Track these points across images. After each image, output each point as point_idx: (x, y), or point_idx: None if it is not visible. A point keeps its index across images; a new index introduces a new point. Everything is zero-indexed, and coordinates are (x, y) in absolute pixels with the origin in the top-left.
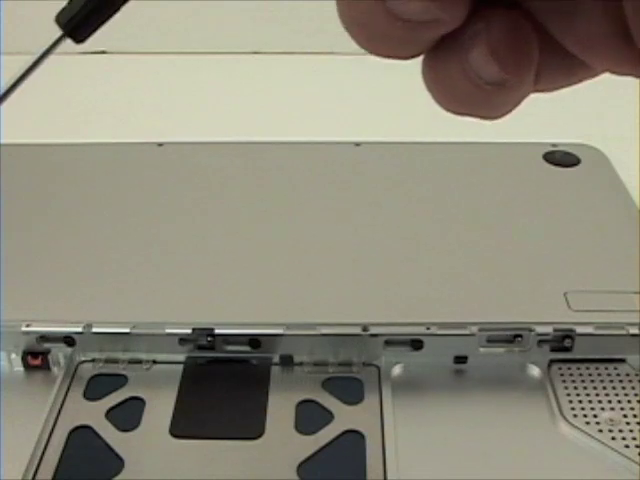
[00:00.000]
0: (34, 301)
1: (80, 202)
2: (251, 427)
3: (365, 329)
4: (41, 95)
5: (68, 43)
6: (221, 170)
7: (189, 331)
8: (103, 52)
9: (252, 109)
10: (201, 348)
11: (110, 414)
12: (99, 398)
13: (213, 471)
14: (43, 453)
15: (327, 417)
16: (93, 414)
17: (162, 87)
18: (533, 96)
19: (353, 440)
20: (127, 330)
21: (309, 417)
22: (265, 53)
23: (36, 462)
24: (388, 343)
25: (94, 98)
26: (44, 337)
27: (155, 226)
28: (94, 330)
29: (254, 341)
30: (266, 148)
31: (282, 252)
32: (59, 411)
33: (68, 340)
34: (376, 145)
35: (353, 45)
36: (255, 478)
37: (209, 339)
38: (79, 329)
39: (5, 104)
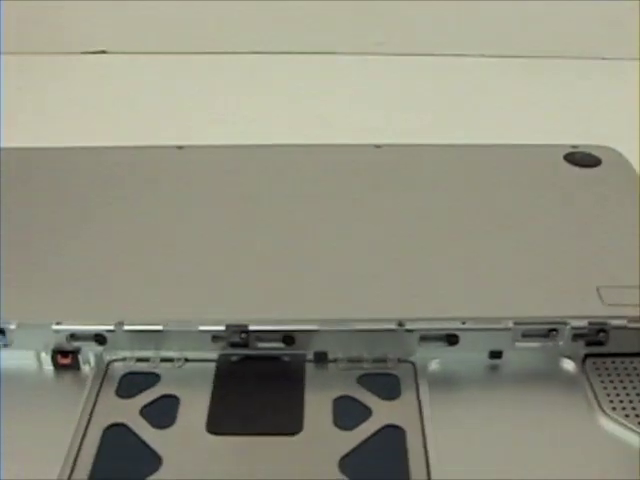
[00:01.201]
0: (64, 299)
1: (107, 203)
2: (289, 423)
3: (400, 324)
4: (41, 94)
5: (68, 43)
6: (242, 172)
7: (222, 328)
8: (103, 52)
9: (256, 110)
10: (234, 345)
11: (144, 412)
12: (132, 396)
13: (253, 467)
14: (78, 451)
15: (365, 412)
16: (127, 412)
17: (162, 87)
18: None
19: (393, 435)
20: (160, 328)
21: (347, 412)
22: (268, 53)
23: (72, 460)
24: (423, 338)
25: (94, 98)
26: (74, 335)
27: (186, 223)
28: (126, 328)
29: (288, 338)
30: (286, 150)
31: (314, 250)
32: (92, 409)
33: (99, 338)
34: (396, 147)
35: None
36: (297, 473)
37: (242, 336)
38: (110, 327)
39: (6, 104)
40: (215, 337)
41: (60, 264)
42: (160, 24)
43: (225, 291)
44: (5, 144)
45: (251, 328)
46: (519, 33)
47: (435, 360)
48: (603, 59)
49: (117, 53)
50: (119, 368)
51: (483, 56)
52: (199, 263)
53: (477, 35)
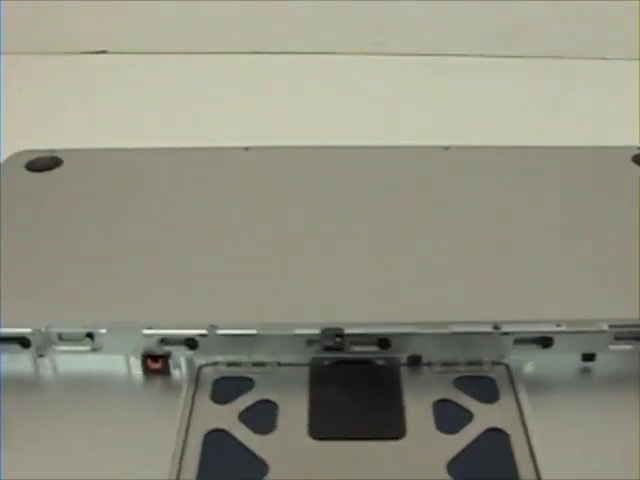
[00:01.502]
0: (154, 303)
1: (188, 204)
2: (392, 427)
3: (496, 327)
4: (41, 94)
5: (68, 43)
6: (311, 173)
7: (317, 332)
8: (103, 52)
9: (256, 111)
10: (328, 349)
11: (243, 417)
12: (228, 401)
13: (362, 472)
14: (182, 456)
15: (466, 416)
16: (225, 417)
17: (162, 87)
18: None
19: (497, 438)
20: (254, 332)
21: (448, 416)
22: (268, 53)
23: (177, 465)
24: (518, 341)
25: (94, 98)
26: (165, 340)
27: (273, 225)
28: (219, 332)
29: (383, 341)
30: (352, 152)
31: (408, 251)
32: (190, 414)
33: (190, 343)
34: (465, 149)
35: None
36: (405, 477)
37: (337, 340)
38: (203, 331)
39: (6, 104)
40: (309, 341)
41: (150, 267)
42: (160, 24)
43: (320, 294)
44: (5, 144)
45: (347, 332)
46: (519, 33)
47: (529, 363)
48: (603, 59)
49: (117, 53)
50: (211, 373)
51: (483, 56)
52: (289, 264)
53: (477, 35)
